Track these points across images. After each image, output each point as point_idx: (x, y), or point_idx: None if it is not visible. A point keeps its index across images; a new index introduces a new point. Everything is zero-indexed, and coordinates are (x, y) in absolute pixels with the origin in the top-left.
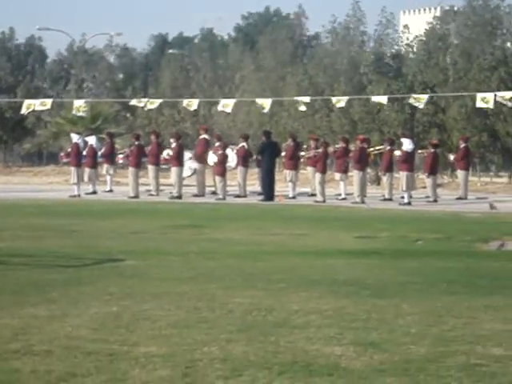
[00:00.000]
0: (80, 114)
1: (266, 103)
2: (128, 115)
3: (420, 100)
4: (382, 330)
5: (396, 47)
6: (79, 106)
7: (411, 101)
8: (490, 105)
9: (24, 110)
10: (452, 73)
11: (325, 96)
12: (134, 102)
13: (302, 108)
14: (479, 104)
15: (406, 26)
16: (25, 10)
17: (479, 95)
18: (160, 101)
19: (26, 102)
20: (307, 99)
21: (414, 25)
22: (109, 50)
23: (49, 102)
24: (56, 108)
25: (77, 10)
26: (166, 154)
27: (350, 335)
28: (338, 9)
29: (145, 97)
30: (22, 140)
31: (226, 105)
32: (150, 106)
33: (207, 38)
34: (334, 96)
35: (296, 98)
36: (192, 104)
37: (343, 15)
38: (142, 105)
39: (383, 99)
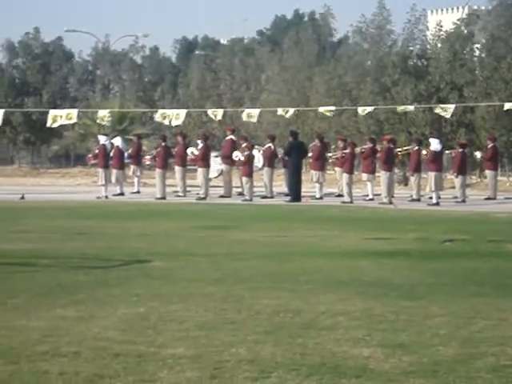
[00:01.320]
0: (104, 123)
1: (288, 111)
2: (154, 116)
3: (447, 110)
4: (411, 331)
5: (423, 46)
6: (103, 115)
7: (437, 110)
8: None
9: (50, 123)
10: (479, 72)
11: (352, 96)
12: (158, 118)
13: (328, 114)
14: (507, 106)
15: (438, 24)
16: (50, 11)
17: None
18: (185, 112)
19: (52, 112)
20: (332, 108)
21: (444, 24)
22: (134, 50)
23: (74, 113)
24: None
25: (102, 12)
26: (191, 152)
27: (378, 337)
28: (364, 8)
29: (173, 98)
30: (50, 142)
31: (251, 115)
32: (175, 122)
33: (234, 40)
34: (360, 97)
35: (320, 108)
36: (217, 114)
37: (369, 14)
38: (166, 122)
39: (410, 108)
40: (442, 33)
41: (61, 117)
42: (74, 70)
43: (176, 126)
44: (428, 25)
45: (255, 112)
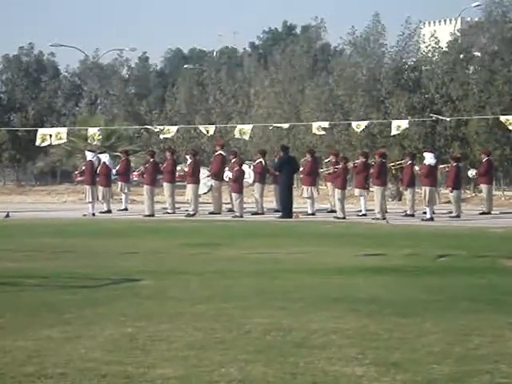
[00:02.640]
0: (95, 142)
1: (282, 126)
2: (142, 132)
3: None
4: (405, 349)
5: (416, 58)
6: (93, 133)
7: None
8: None
9: (38, 142)
10: (474, 86)
11: (344, 109)
12: (155, 129)
13: (321, 132)
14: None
15: (433, 35)
16: (36, 27)
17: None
18: (176, 128)
19: (40, 131)
20: (326, 124)
21: (438, 36)
22: (118, 64)
23: (64, 133)
24: (68, 125)
25: (88, 26)
26: (180, 169)
27: (372, 355)
28: (357, 21)
29: (161, 112)
30: (35, 158)
31: (243, 131)
32: (166, 135)
33: (224, 52)
34: (352, 110)
35: (313, 122)
36: (209, 129)
37: (362, 27)
38: (157, 130)
39: (404, 123)
40: (438, 45)
41: (50, 136)
42: (60, 86)
43: (165, 138)
44: (422, 36)
45: (247, 128)
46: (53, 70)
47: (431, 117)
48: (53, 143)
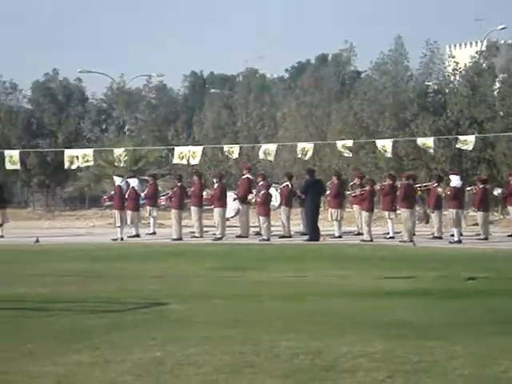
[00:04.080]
0: (122, 164)
1: (308, 147)
2: (170, 155)
3: (468, 142)
4: (434, 372)
5: (440, 81)
6: (119, 154)
7: (459, 145)
8: None
9: (67, 165)
10: (500, 108)
11: (370, 131)
12: (176, 160)
13: (347, 154)
14: None
15: (450, 56)
16: (64, 53)
17: None
18: (201, 149)
19: (67, 152)
20: (350, 142)
21: (461, 58)
22: (147, 89)
23: (90, 154)
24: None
25: (113, 52)
26: (206, 193)
27: (401, 379)
28: (382, 46)
29: (188, 136)
30: (64, 183)
31: (268, 152)
32: (193, 162)
33: (248, 77)
34: (378, 132)
35: (338, 141)
36: (233, 151)
37: (386, 50)
38: (185, 162)
39: (429, 140)
40: (459, 66)
41: (77, 158)
42: (87, 112)
43: (194, 164)
44: (446, 59)
45: (272, 148)
46: (80, 96)
47: (456, 141)
48: (81, 165)
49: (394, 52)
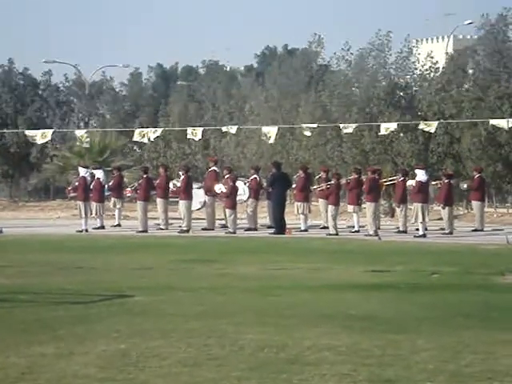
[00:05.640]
0: (84, 145)
1: (271, 132)
2: (135, 148)
3: (430, 125)
4: (398, 366)
5: (411, 77)
6: (81, 135)
7: (421, 126)
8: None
9: (31, 140)
10: (466, 104)
11: (337, 125)
12: (136, 138)
13: (307, 133)
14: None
15: (429, 55)
16: (25, 42)
17: (492, 121)
18: (160, 129)
19: (27, 133)
20: (314, 125)
21: (422, 55)
22: (115, 82)
23: (49, 133)
24: (59, 140)
25: (75, 42)
26: (173, 185)
27: (365, 372)
28: (355, 39)
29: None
30: (28, 175)
31: (230, 128)
32: (152, 136)
33: (213, 69)
34: (345, 127)
35: (302, 124)
36: (196, 133)
37: (363, 43)
38: (146, 140)
39: (393, 125)
40: (435, 64)
41: (37, 136)
42: (47, 102)
43: (155, 138)
44: (418, 55)
45: (234, 127)
46: (41, 86)
47: (422, 133)
48: (39, 142)
49: (373, 45)
